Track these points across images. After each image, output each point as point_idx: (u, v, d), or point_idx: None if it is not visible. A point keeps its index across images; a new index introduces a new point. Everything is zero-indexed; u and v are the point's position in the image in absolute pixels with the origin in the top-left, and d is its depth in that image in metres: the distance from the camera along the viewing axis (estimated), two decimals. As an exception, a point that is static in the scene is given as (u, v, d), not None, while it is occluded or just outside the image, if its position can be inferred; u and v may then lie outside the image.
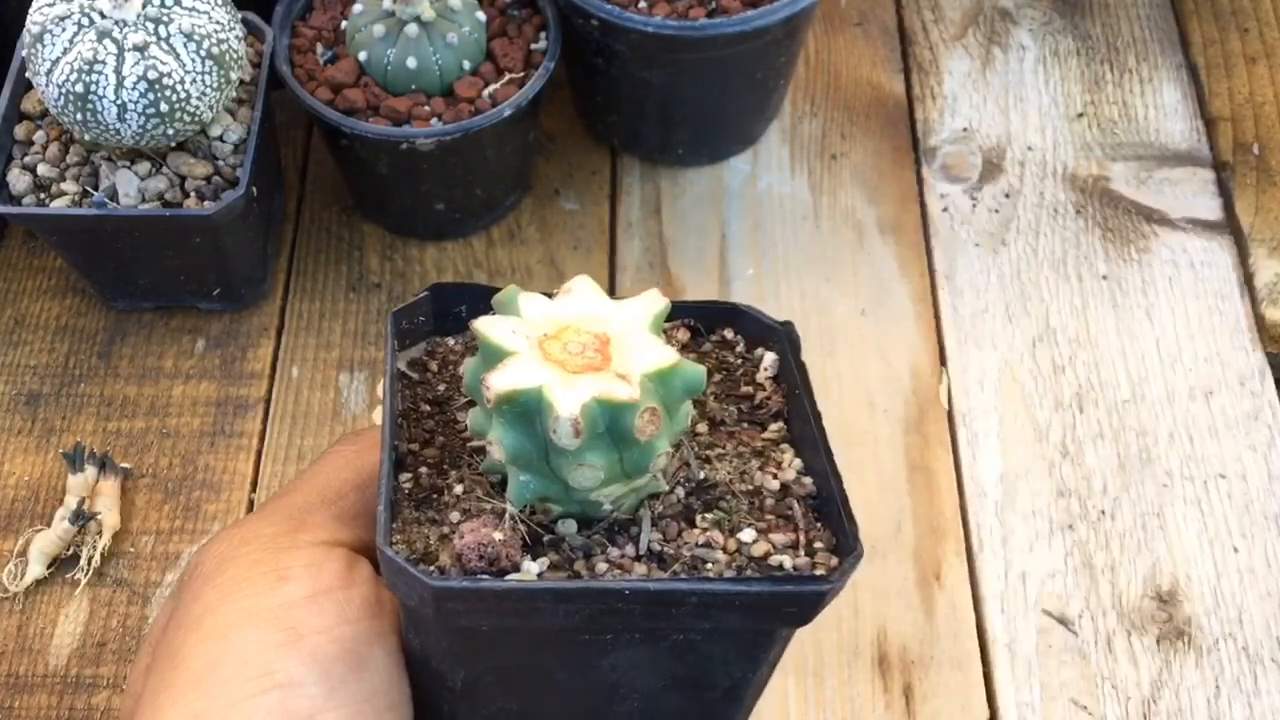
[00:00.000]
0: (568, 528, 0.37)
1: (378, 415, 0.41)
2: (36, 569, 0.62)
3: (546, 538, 0.36)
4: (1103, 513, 0.64)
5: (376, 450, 0.38)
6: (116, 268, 0.68)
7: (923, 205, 0.76)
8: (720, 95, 0.73)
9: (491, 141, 0.68)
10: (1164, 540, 0.64)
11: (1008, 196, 0.77)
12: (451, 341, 0.43)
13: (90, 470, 0.64)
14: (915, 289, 0.73)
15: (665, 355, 0.35)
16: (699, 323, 0.44)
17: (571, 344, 0.34)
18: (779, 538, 0.37)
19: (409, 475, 0.38)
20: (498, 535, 0.35)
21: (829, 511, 0.38)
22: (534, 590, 0.33)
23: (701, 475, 0.39)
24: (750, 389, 0.42)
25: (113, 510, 0.63)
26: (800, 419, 0.40)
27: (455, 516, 0.37)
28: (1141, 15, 0.85)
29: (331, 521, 0.40)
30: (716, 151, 0.78)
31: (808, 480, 0.39)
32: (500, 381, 0.33)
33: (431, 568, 0.35)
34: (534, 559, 0.35)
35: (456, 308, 0.42)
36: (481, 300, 0.40)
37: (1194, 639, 0.61)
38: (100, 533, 0.62)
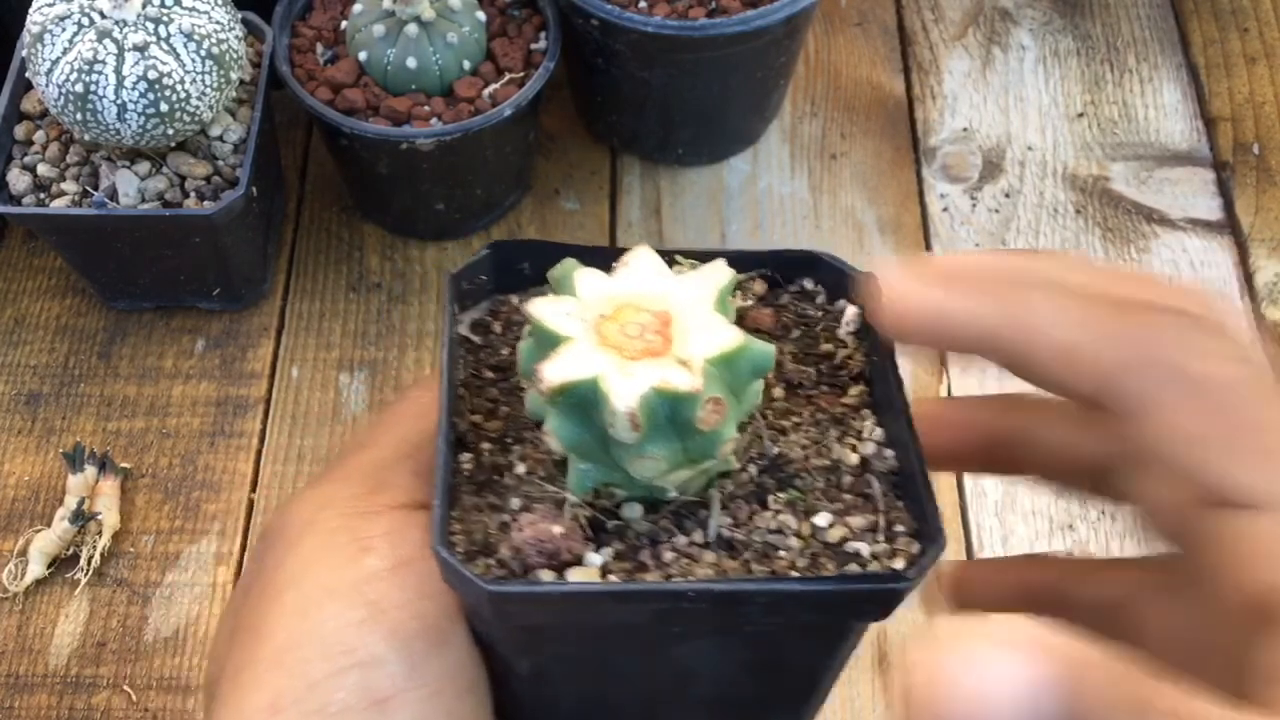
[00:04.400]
0: (632, 512, 0.35)
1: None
2: (36, 569, 0.62)
3: (611, 523, 0.35)
4: (1103, 513, 0.64)
5: None
6: (116, 268, 0.68)
7: (923, 205, 0.76)
8: (720, 95, 0.73)
9: (491, 141, 0.68)
10: (1164, 540, 0.64)
11: (1008, 196, 0.77)
12: (516, 299, 0.41)
13: (90, 470, 0.64)
14: (915, 289, 0.72)
15: (730, 337, 0.32)
16: (776, 272, 0.41)
17: (629, 326, 0.33)
18: (857, 520, 0.35)
19: (470, 455, 0.37)
20: (557, 529, 0.33)
21: (911, 490, 0.35)
22: (593, 592, 0.32)
23: (775, 450, 0.37)
24: (830, 346, 0.40)
25: (113, 510, 0.63)
26: (883, 381, 0.38)
27: (516, 503, 0.35)
28: (1141, 15, 0.85)
29: (411, 478, 0.39)
30: (716, 151, 0.78)
31: (889, 453, 0.37)
32: (553, 373, 0.32)
33: (491, 561, 0.34)
34: (597, 548, 0.34)
35: (519, 264, 0.40)
36: (544, 258, 0.37)
37: (1194, 639, 0.61)
38: (100, 533, 0.62)
